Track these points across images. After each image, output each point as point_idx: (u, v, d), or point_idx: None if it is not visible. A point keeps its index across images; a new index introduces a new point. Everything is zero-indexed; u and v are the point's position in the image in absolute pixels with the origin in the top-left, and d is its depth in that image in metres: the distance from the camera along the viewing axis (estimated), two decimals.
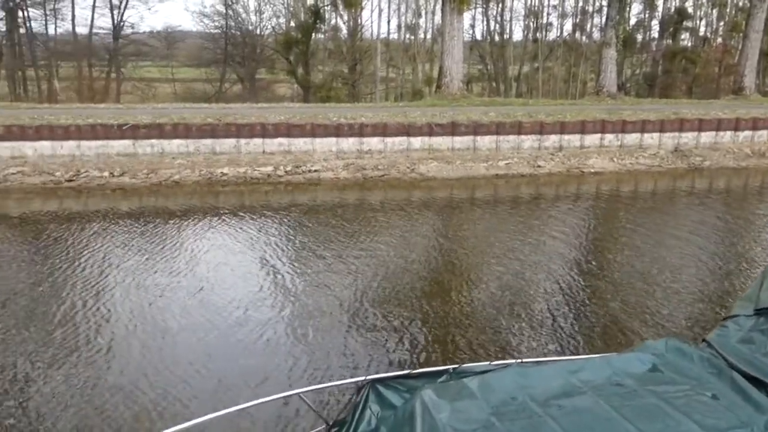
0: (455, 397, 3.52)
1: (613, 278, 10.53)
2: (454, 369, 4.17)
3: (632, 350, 4.35)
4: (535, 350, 7.75)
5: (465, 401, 3.48)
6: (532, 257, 11.50)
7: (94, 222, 13.54)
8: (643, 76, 43.29)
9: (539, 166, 19.31)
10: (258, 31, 46.03)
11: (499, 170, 18.96)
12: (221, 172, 17.55)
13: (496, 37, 44.16)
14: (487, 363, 4.25)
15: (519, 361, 4.24)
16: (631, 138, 21.03)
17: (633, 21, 42.71)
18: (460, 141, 19.82)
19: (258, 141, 18.73)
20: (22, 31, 38.23)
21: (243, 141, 18.64)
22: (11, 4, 36.42)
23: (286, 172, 17.83)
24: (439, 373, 4.16)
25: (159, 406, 6.45)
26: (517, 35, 51.71)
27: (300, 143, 18.93)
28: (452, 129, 19.74)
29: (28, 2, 37.58)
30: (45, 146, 17.61)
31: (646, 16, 43.71)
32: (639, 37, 43.68)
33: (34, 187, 16.42)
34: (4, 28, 37.05)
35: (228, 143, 18.58)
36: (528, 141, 20.23)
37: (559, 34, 44.80)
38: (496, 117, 20.69)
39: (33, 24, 39.13)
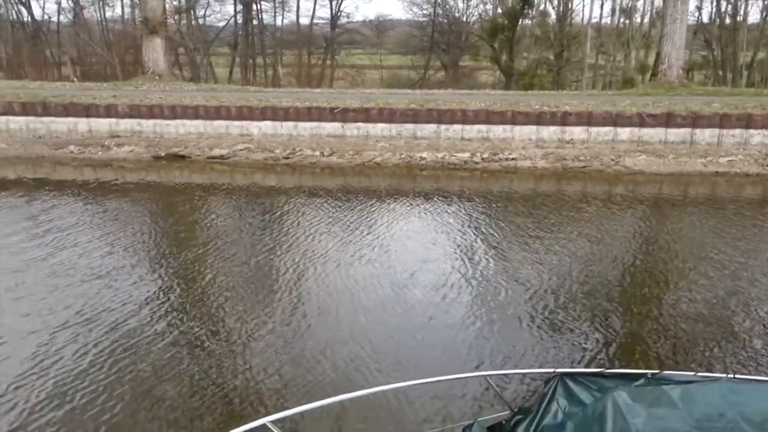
0: (653, 403, 3.31)
1: None
2: (653, 374, 3.90)
3: None
4: (751, 368, 6.93)
5: (664, 409, 3.26)
6: (760, 267, 10.22)
7: (309, 196, 14.80)
8: None
9: None
10: (464, 18, 46.39)
11: (719, 167, 17.04)
12: (420, 157, 18.08)
13: (727, 20, 39.43)
14: (692, 373, 3.93)
15: (730, 375, 3.83)
16: None
17: None
18: (675, 133, 18.16)
19: (457, 127, 18.95)
20: (254, 22, 42.76)
21: (443, 127, 18.99)
22: None
23: (482, 158, 17.83)
24: (635, 377, 3.93)
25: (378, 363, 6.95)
26: (753, 17, 45.72)
27: (499, 130, 18.78)
28: (666, 120, 18.15)
29: None
30: (268, 126, 19.60)
31: None
32: None
33: (257, 162, 18.36)
34: (240, 20, 41.75)
35: (428, 128, 19.06)
36: (758, 136, 17.86)
37: None
38: (721, 108, 18.57)
39: (264, 16, 43.62)
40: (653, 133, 18.21)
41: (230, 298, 8.85)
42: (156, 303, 8.66)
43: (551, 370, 4.04)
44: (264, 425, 3.32)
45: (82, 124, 20.11)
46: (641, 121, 18.19)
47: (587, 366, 6.61)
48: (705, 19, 41.47)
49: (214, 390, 6.49)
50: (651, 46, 36.18)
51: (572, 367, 5.61)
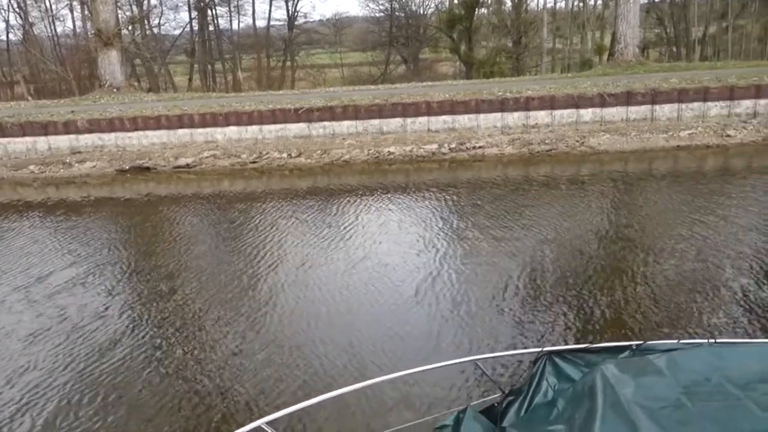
0: (640, 373, 3.37)
1: None
2: (637, 346, 3.97)
3: None
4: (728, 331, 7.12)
5: (651, 378, 3.31)
6: (719, 235, 10.49)
7: (277, 200, 14.68)
8: None
9: (729, 136, 17.43)
10: (421, 11, 46.53)
11: (680, 141, 17.43)
12: (388, 151, 18.09)
13: None
14: (675, 341, 3.99)
15: (711, 341, 3.92)
16: None
17: None
18: (636, 111, 18.51)
19: (423, 119, 19.00)
20: (210, 28, 42.26)
21: (408, 120, 19.02)
22: (202, 3, 40.27)
23: (450, 149, 17.92)
24: (621, 349, 3.99)
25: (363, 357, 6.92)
26: None
27: (464, 120, 18.89)
28: (627, 98, 18.47)
29: (216, 1, 41.35)
30: (232, 131, 19.39)
31: None
32: None
33: (224, 168, 18.15)
34: (196, 27, 41.16)
35: (394, 123, 19.08)
36: (715, 108, 18.31)
37: None
38: (678, 83, 18.98)
39: (219, 21, 43.14)
40: (615, 112, 18.53)
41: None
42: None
43: (538, 349, 4.08)
44: (259, 427, 3.28)
45: (41, 142, 19.63)
46: (602, 101, 18.49)
47: (574, 343, 6.71)
48: None
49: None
50: (606, 28, 36.83)
51: (559, 345, 5.69)
